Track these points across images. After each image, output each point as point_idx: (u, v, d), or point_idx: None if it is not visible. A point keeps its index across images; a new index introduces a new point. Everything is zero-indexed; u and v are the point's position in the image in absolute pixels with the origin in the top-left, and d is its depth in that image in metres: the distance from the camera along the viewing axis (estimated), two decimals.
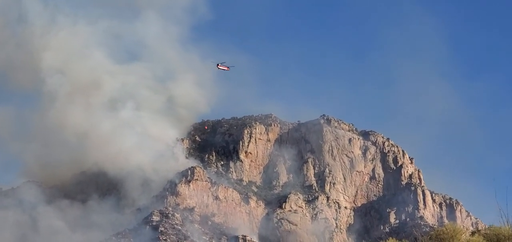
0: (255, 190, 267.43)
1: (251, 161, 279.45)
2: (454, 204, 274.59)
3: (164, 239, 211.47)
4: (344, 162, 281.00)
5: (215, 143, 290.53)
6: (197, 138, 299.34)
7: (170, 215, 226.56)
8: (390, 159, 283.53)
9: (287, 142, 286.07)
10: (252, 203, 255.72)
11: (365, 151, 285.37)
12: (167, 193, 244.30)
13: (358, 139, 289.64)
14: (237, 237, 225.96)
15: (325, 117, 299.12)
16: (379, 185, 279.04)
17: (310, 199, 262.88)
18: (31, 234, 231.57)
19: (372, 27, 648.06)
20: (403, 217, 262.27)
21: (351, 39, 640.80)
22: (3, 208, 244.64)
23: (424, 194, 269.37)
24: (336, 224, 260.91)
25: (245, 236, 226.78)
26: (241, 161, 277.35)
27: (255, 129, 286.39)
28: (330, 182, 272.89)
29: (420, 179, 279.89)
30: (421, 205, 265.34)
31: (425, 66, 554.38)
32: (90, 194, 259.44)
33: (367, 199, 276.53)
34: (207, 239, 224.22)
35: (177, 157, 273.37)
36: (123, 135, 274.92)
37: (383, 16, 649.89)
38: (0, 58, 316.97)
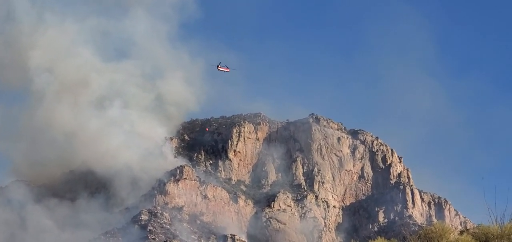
0: (244, 189, 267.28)
1: (240, 160, 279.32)
2: (443, 203, 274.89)
3: (153, 238, 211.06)
4: (332, 161, 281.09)
5: (204, 141, 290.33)
6: (186, 137, 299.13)
7: (158, 214, 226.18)
8: (379, 158, 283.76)
9: (276, 140, 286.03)
10: (241, 202, 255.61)
11: (353, 150, 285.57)
12: (156, 192, 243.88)
13: (347, 137, 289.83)
14: (225, 236, 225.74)
15: (314, 116, 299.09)
16: (367, 184, 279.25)
17: (299, 198, 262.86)
18: (19, 233, 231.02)
19: (360, 26, 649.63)
20: (392, 216, 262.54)
21: (340, 38, 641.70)
22: None
23: (412, 193, 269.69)
24: (325, 223, 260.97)
25: (233, 235, 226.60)
26: (229, 160, 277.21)
27: (244, 127, 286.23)
28: (319, 181, 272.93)
29: (408, 178, 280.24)
30: (409, 204, 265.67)
31: (413, 64, 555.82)
32: (79, 192, 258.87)
33: (356, 198, 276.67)
34: (196, 238, 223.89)
35: (166, 155, 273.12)
36: (111, 133, 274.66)
37: (371, 15, 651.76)
38: None
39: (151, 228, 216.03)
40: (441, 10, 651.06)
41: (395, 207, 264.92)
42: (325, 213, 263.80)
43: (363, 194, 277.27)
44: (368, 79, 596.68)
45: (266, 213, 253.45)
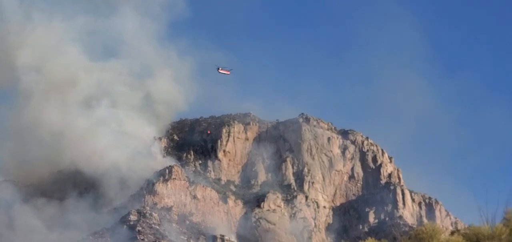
0: (233, 189, 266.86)
1: (229, 160, 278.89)
2: (434, 204, 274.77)
3: (142, 239, 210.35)
4: (323, 161, 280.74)
5: (193, 141, 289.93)
6: (175, 137, 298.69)
7: (147, 214, 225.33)
8: (369, 158, 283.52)
9: (266, 140, 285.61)
10: (230, 202, 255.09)
11: (344, 150, 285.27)
12: (145, 192, 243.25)
13: (337, 137, 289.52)
14: (215, 237, 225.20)
15: (303, 116, 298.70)
16: (358, 184, 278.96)
17: (289, 198, 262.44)
18: (7, 233, 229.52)
19: (350, 25, 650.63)
20: (382, 217, 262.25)
21: (330, 37, 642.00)
22: None
23: (403, 193, 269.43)
24: (315, 223, 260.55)
25: (223, 236, 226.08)
26: (219, 160, 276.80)
27: (234, 127, 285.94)
28: (309, 181, 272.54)
29: (399, 178, 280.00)
30: (400, 204, 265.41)
31: (403, 64, 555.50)
32: (67, 192, 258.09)
33: (346, 198, 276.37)
34: (185, 238, 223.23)
35: (155, 155, 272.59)
36: (99, 133, 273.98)
37: (362, 15, 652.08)
38: None
39: (140, 228, 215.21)
40: (432, 10, 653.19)
41: (385, 208, 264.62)
42: (315, 214, 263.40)
43: (353, 194, 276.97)
44: (359, 79, 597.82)
45: (255, 213, 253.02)
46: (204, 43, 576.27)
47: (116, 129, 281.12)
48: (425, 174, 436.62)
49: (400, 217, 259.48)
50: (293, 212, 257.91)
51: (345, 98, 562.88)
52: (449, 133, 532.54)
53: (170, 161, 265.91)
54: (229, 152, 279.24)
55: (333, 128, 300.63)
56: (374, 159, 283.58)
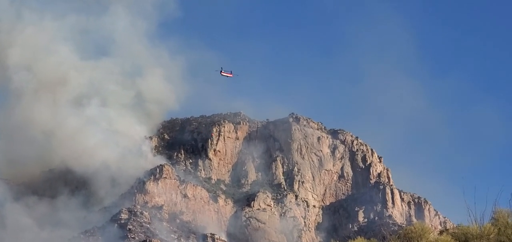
0: (224, 188, 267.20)
1: (220, 159, 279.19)
2: (423, 203, 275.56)
3: (132, 237, 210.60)
4: (312, 161, 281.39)
5: (183, 140, 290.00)
6: (166, 136, 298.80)
7: (138, 213, 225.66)
8: (359, 158, 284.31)
9: (256, 140, 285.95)
10: (221, 201, 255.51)
11: (333, 149, 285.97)
12: (136, 190, 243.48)
13: (327, 137, 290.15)
14: (205, 236, 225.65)
15: (293, 116, 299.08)
16: (347, 183, 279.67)
17: (279, 197, 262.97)
18: None
19: (340, 25, 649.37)
20: (372, 216, 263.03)
21: (320, 37, 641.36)
22: None
23: (392, 193, 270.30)
24: (305, 222, 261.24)
25: (213, 235, 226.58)
26: (209, 159, 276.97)
27: (224, 127, 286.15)
28: (299, 181, 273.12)
29: (388, 177, 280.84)
30: (389, 204, 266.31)
31: (393, 64, 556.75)
32: (58, 191, 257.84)
33: (336, 197, 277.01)
34: (176, 237, 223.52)
35: (145, 154, 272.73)
36: (89, 132, 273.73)
37: (351, 15, 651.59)
38: None
39: (131, 227, 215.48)
40: (421, 10, 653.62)
41: (375, 207, 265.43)
42: (305, 213, 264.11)
43: (343, 193, 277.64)
44: (349, 79, 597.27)
45: (246, 212, 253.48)
46: (195, 43, 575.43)
47: (106, 128, 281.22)
48: (414, 174, 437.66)
49: (390, 216, 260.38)
50: (283, 211, 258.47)
51: (335, 98, 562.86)
52: (438, 132, 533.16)
53: (160, 160, 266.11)
54: (219, 151, 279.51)
55: (323, 127, 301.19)
56: (364, 159, 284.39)
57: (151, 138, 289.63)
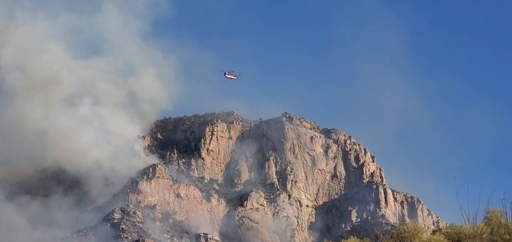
0: (217, 187, 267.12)
1: (213, 158, 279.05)
2: (416, 203, 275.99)
3: (125, 237, 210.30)
4: (305, 160, 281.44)
5: (176, 140, 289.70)
6: (159, 135, 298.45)
7: (131, 212, 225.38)
8: (352, 157, 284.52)
9: (249, 139, 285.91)
10: (214, 200, 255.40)
11: (326, 149, 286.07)
12: (128, 190, 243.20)
13: (320, 137, 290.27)
14: (198, 235, 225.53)
15: (286, 115, 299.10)
16: (340, 183, 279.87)
17: (272, 197, 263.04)
18: None
19: (332, 25, 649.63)
20: (365, 216, 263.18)
21: (312, 37, 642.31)
22: None
23: (385, 193, 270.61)
24: (298, 222, 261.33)
25: (206, 234, 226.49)
26: (202, 158, 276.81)
27: (217, 126, 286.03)
28: (292, 180, 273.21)
29: (381, 177, 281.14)
30: (382, 203, 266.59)
31: (385, 64, 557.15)
32: (51, 191, 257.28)
33: (329, 197, 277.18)
34: (168, 237, 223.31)
35: (138, 154, 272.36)
36: (81, 131, 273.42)
37: (344, 14, 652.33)
38: None
39: (124, 226, 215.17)
40: (414, 10, 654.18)
41: (367, 207, 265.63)
42: (298, 212, 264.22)
43: (336, 193, 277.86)
44: (342, 79, 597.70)
45: (239, 212, 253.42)
46: (188, 42, 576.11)
47: (99, 127, 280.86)
48: (407, 173, 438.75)
49: (382, 216, 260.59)
50: (276, 210, 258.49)
51: (328, 98, 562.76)
52: (431, 132, 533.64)
53: (153, 160, 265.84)
54: (212, 151, 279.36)
55: (316, 127, 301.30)
56: (357, 158, 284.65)
57: (144, 137, 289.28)
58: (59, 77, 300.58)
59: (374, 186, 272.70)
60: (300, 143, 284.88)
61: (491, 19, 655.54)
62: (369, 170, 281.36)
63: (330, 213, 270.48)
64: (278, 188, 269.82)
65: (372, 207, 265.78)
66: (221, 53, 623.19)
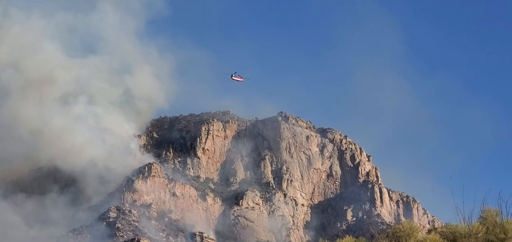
0: (212, 186, 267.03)
1: (208, 157, 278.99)
2: (411, 202, 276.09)
3: (121, 235, 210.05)
4: (301, 159, 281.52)
5: (172, 139, 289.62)
6: (155, 134, 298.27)
7: (126, 211, 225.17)
8: (348, 157, 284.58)
9: (245, 138, 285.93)
10: (209, 199, 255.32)
11: (322, 148, 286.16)
12: (124, 189, 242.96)
13: (316, 136, 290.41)
14: (194, 234, 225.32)
15: (282, 115, 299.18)
16: (336, 182, 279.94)
17: (267, 196, 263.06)
18: None
19: (329, 24, 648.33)
20: (360, 215, 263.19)
21: (308, 36, 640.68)
22: None
23: (381, 192, 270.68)
24: (293, 221, 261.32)
25: (202, 233, 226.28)
26: (198, 157, 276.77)
27: (213, 125, 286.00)
28: (287, 179, 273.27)
29: (377, 176, 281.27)
30: (378, 202, 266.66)
31: (381, 63, 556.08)
32: (47, 189, 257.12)
33: (324, 196, 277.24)
34: (164, 235, 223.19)
35: (134, 152, 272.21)
36: (76, 130, 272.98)
37: (340, 14, 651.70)
38: None
39: (119, 225, 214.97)
40: (410, 9, 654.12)
41: (363, 206, 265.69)
42: (293, 211, 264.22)
43: (331, 192, 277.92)
44: (338, 78, 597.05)
45: (234, 210, 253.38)
46: (184, 41, 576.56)
47: (94, 126, 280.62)
48: (403, 173, 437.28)
49: (378, 215, 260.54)
50: (272, 209, 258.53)
51: (323, 97, 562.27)
52: (427, 132, 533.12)
53: (149, 158, 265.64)
54: (208, 150, 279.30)
55: (311, 126, 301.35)
56: (352, 157, 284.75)
57: (139, 136, 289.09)
58: (54, 76, 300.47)
59: (370, 185, 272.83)
60: (296, 142, 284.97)
61: (488, 19, 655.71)
62: (364, 169, 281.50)
63: (325, 212, 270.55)
64: (274, 187, 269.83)
65: (368, 206, 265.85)
66: (217, 53, 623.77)
